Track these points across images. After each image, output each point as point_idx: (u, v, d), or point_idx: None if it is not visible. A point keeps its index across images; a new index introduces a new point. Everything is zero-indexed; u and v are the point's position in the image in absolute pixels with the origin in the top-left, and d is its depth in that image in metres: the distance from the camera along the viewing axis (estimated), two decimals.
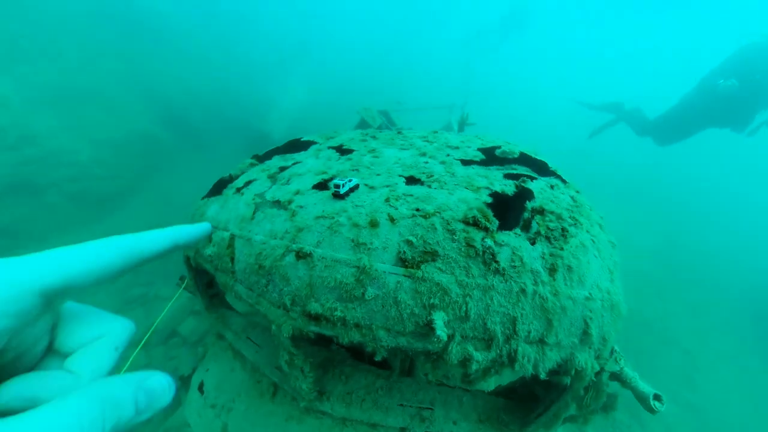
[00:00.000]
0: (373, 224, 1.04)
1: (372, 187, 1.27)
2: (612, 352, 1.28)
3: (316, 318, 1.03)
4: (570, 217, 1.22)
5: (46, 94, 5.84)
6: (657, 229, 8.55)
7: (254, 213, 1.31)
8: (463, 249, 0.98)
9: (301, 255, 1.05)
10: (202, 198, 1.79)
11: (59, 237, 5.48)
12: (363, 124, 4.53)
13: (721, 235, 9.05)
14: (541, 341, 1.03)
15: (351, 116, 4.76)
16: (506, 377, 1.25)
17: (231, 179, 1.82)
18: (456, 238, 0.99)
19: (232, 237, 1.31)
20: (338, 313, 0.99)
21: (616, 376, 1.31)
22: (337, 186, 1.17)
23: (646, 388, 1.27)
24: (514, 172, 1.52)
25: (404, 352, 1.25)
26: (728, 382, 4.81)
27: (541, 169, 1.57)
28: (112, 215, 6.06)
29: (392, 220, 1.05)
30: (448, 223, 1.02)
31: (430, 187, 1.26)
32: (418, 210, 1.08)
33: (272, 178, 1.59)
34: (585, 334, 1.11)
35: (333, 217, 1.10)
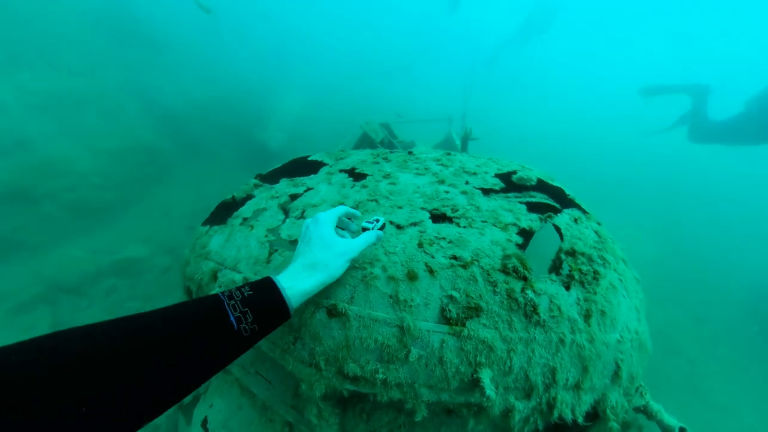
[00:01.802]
0: (412, 277, 1.00)
1: (399, 227, 1.22)
2: (637, 387, 1.30)
3: (354, 379, 0.98)
4: (599, 257, 1.23)
5: (45, 101, 5.66)
6: (656, 235, 8.62)
7: (270, 255, 1.23)
8: (505, 302, 0.97)
9: (333, 313, 0.98)
10: (203, 224, 1.66)
11: (53, 248, 5.34)
12: (365, 138, 4.49)
13: (723, 240, 9.13)
14: (577, 386, 1.04)
15: (352, 127, 4.71)
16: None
17: (235, 203, 1.71)
18: (497, 290, 0.98)
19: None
20: (380, 376, 0.95)
21: (641, 410, 1.33)
22: (364, 229, 1.10)
23: (672, 420, 1.29)
24: (534, 200, 1.53)
25: None
26: (735, 391, 4.88)
27: (559, 196, 1.58)
28: (109, 226, 5.90)
29: (431, 271, 1.01)
30: (488, 274, 1.01)
31: (458, 225, 1.23)
32: (455, 258, 1.06)
33: (284, 208, 1.50)
34: (616, 375, 1.14)
35: (365, 268, 1.04)
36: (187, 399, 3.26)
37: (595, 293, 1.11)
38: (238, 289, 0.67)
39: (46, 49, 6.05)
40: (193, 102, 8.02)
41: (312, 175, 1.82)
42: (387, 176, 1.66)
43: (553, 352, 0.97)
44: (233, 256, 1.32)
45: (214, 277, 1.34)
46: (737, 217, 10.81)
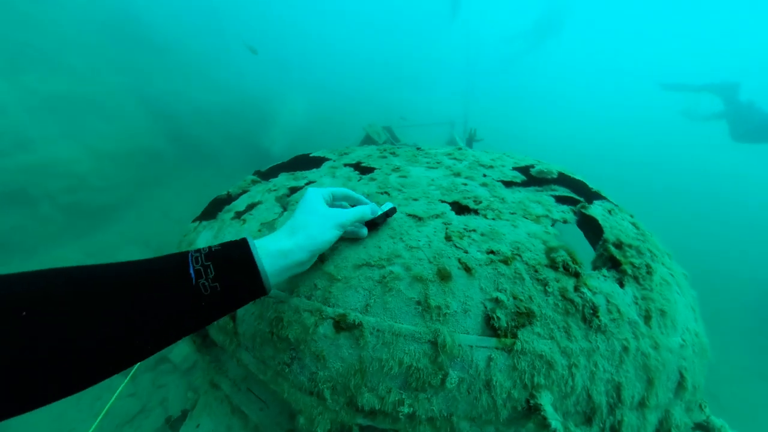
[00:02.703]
0: (444, 276, 0.79)
1: (418, 218, 1.00)
2: (699, 401, 1.13)
3: (370, 413, 0.75)
4: (648, 250, 1.08)
5: (48, 102, 5.60)
6: (664, 235, 8.47)
7: None
8: (560, 304, 0.78)
9: (343, 325, 0.75)
10: (194, 220, 1.48)
11: (48, 250, 5.22)
12: (368, 140, 4.38)
13: (734, 240, 8.92)
14: (642, 404, 0.87)
15: (354, 131, 4.59)
16: None
17: (229, 198, 1.51)
18: (549, 290, 0.80)
19: None
20: (406, 409, 0.72)
21: (702, 427, 1.15)
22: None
23: None
24: (557, 194, 1.38)
25: None
26: (755, 396, 4.69)
27: (582, 190, 1.44)
28: (106, 228, 5.77)
29: (467, 269, 0.81)
30: (535, 270, 0.82)
31: (486, 217, 1.05)
32: (492, 252, 0.86)
33: (281, 200, 1.30)
34: (680, 387, 0.97)
35: (383, 266, 0.81)
36: (176, 415, 3.05)
37: (651, 290, 0.94)
38: (209, 246, 0.60)
39: (52, 51, 5.99)
40: (195, 106, 7.96)
41: (314, 169, 1.67)
42: (396, 169, 1.50)
43: (617, 363, 0.79)
44: None
45: None
46: (747, 218, 10.59)
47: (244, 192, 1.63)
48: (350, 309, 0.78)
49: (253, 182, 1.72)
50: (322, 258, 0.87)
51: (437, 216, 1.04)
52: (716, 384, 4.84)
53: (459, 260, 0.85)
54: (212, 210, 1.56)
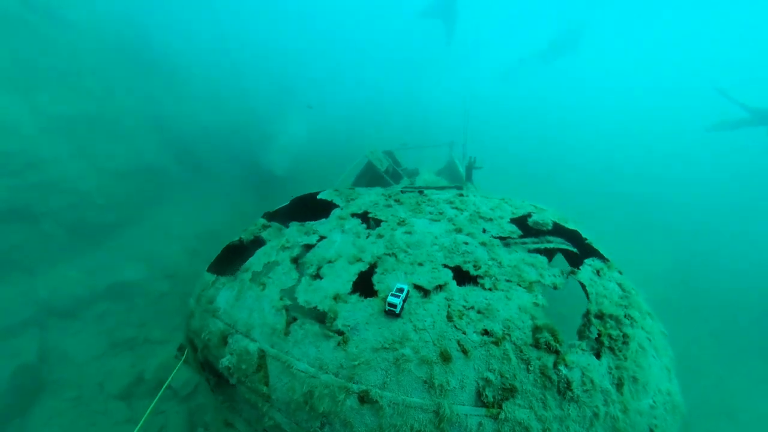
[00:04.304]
0: (445, 358, 0.98)
1: (425, 292, 1.18)
2: None
3: None
4: (626, 316, 1.23)
5: (60, 123, 5.77)
6: (668, 248, 8.35)
7: (288, 325, 1.18)
8: (539, 380, 0.96)
9: (366, 400, 0.96)
10: (209, 269, 1.60)
11: (49, 268, 5.21)
12: (370, 167, 4.54)
13: (737, 251, 8.64)
14: None
15: (355, 151, 4.71)
16: None
17: (241, 245, 1.66)
18: (531, 368, 0.97)
19: (262, 355, 1.16)
20: None
21: None
22: (392, 305, 1.08)
23: None
24: (552, 245, 1.54)
25: None
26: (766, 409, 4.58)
27: (576, 240, 1.59)
28: (108, 246, 5.81)
29: (465, 351, 1.00)
30: (521, 351, 1.00)
31: (484, 287, 1.22)
32: (486, 333, 1.04)
33: (297, 262, 1.45)
34: None
35: (396, 348, 1.01)
36: None
37: (626, 359, 1.10)
38: None
39: (66, 72, 6.21)
40: (201, 125, 8.18)
41: (323, 220, 1.79)
42: (402, 223, 1.65)
43: (587, 426, 0.96)
44: (245, 319, 1.27)
45: (224, 340, 1.28)
46: (751, 227, 10.36)
47: (257, 239, 1.74)
48: (371, 386, 0.98)
49: (264, 227, 1.84)
50: (346, 339, 1.06)
51: (440, 288, 1.22)
52: (730, 397, 4.65)
53: (458, 342, 1.03)
54: (226, 258, 1.67)
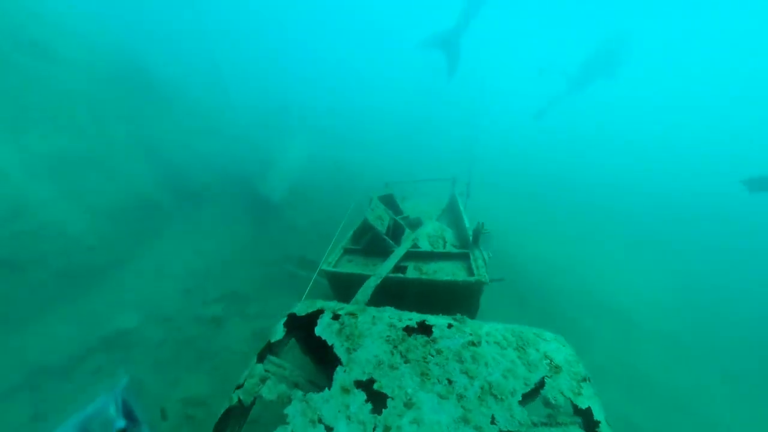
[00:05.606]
0: None
1: None
2: None
3: None
4: None
5: (48, 162, 5.52)
6: (672, 279, 7.98)
7: None
8: None
9: None
10: None
11: (37, 321, 5.05)
12: (370, 227, 4.41)
13: (744, 282, 8.31)
14: None
15: (353, 180, 4.52)
16: None
17: (241, 407, 1.58)
18: None
19: None
20: None
21: None
22: None
23: None
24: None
25: None
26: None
27: (588, 419, 1.55)
28: (99, 291, 5.64)
29: None
30: None
31: None
32: None
33: None
34: None
35: None
36: None
37: None
38: None
39: (54, 107, 5.91)
40: (196, 154, 7.94)
41: (327, 393, 1.71)
42: (408, 404, 1.58)
43: None
44: None
45: None
46: (758, 257, 10.12)
47: (255, 399, 1.64)
48: None
49: (262, 380, 1.75)
50: None
51: None
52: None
53: None
54: (223, 428, 1.55)
